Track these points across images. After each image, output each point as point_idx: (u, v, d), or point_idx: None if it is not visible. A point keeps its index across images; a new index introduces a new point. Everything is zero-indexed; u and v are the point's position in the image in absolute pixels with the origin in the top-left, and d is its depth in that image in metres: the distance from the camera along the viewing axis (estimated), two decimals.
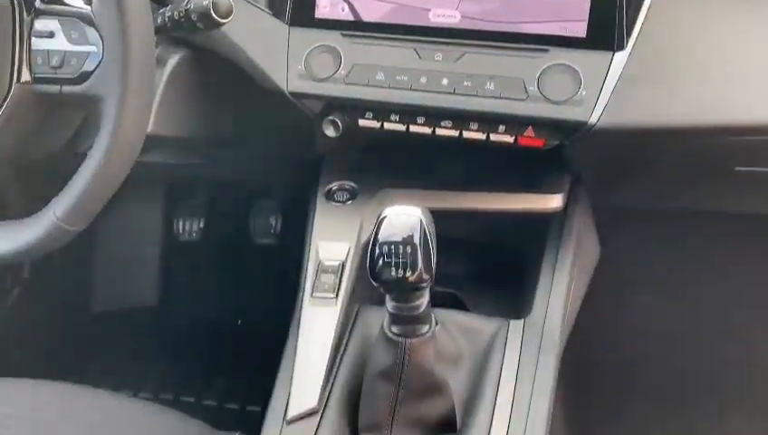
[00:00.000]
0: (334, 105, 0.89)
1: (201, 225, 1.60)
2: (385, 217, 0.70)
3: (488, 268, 1.08)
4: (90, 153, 0.70)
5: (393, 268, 0.68)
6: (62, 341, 1.46)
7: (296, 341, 0.84)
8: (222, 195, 1.62)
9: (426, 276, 0.68)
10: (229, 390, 1.46)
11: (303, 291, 0.89)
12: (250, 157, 1.18)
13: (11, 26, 0.75)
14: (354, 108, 0.88)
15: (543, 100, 0.80)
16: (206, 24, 0.75)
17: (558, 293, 0.89)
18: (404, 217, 0.69)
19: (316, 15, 0.88)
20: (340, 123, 0.89)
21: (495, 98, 0.81)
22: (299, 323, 0.86)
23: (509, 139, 0.85)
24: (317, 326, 0.85)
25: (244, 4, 0.89)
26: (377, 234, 0.69)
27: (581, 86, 0.79)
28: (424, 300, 0.72)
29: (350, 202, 0.96)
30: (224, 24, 0.75)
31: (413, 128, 0.88)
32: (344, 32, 0.86)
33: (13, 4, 0.75)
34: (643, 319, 1.39)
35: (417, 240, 0.68)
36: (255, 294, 1.45)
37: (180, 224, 1.60)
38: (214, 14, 0.73)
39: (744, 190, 1.01)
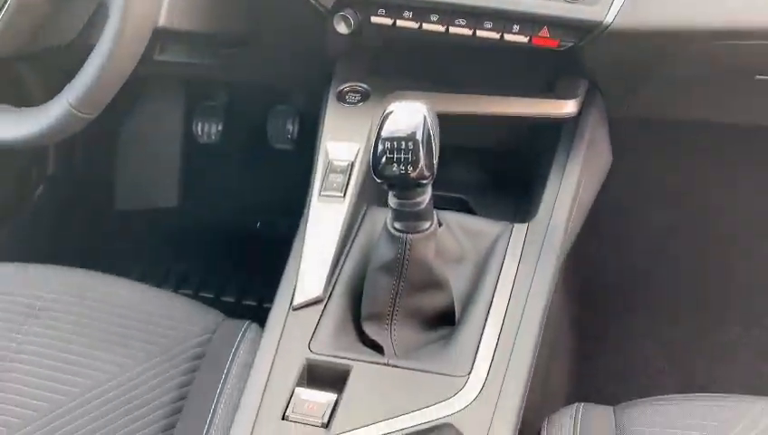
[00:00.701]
0: (346, 1, 0.87)
1: (219, 127, 1.61)
2: (390, 112, 0.70)
3: (499, 175, 1.09)
4: (99, 40, 0.70)
5: (395, 164, 0.69)
6: (85, 237, 1.52)
7: (304, 235, 0.87)
8: (240, 98, 1.63)
9: (427, 173, 0.69)
10: (246, 287, 1.52)
11: (313, 189, 0.91)
12: (265, 59, 1.18)
13: None
14: (366, 3, 0.87)
15: None
16: None
17: (564, 198, 0.89)
18: (408, 114, 0.69)
19: None
20: (351, 20, 0.87)
21: None
22: (307, 220, 0.88)
23: (523, 38, 0.83)
24: (325, 222, 0.87)
25: None
26: (380, 130, 0.70)
27: None
28: (425, 197, 0.73)
29: (361, 104, 0.96)
30: None
31: (426, 26, 0.86)
32: None
33: None
34: (655, 234, 1.39)
35: (419, 136, 0.68)
36: (272, 198, 1.48)
37: (199, 126, 1.61)
38: None
39: (764, 101, 0.98)
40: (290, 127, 1.58)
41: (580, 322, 1.29)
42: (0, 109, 0.82)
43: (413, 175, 0.69)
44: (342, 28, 0.88)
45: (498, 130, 1.03)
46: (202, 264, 1.57)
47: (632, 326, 1.38)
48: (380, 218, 0.86)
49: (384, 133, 0.69)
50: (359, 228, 0.89)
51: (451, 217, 0.86)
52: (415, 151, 0.68)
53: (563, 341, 1.21)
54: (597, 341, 1.36)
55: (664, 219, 1.38)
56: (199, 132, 1.61)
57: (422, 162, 0.68)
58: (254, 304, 1.49)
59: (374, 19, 0.88)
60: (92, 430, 0.80)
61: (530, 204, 0.96)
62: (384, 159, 0.69)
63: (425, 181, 0.70)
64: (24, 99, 0.87)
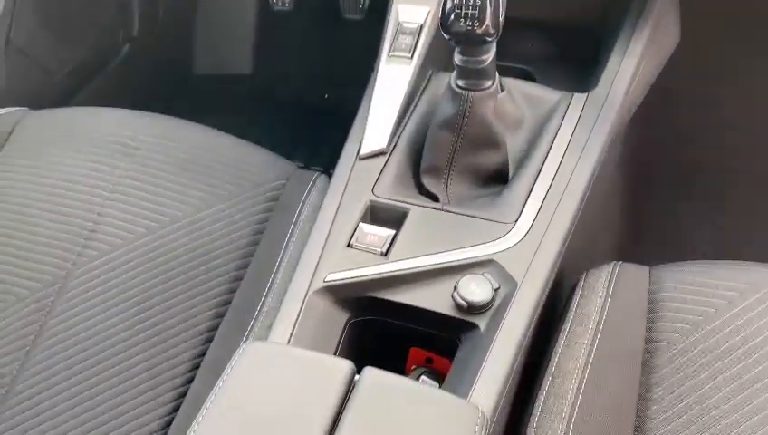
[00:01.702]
0: None
1: None
2: None
3: (564, 50, 1.10)
4: None
5: (463, 20, 0.73)
6: (166, 97, 1.62)
7: (372, 93, 0.93)
8: None
9: (492, 30, 0.73)
10: (314, 153, 1.61)
11: (382, 50, 0.96)
12: None
13: None
14: None
15: None
16: None
17: (625, 70, 0.91)
18: None
19: None
20: None
21: None
22: (376, 78, 0.94)
23: None
24: (392, 81, 0.92)
25: None
26: None
27: None
28: (489, 55, 0.77)
29: None
30: None
31: None
32: None
33: None
34: (725, 122, 1.38)
35: None
36: (342, 69, 1.53)
37: None
38: None
39: None
40: None
41: (636, 199, 1.32)
42: None
43: (479, 31, 0.73)
44: None
45: (568, 2, 1.03)
46: (275, 130, 1.66)
47: (688, 211, 1.40)
48: (444, 82, 0.91)
49: None
50: (423, 90, 0.94)
51: (514, 84, 0.90)
52: (482, 8, 0.72)
53: (615, 213, 1.25)
54: (649, 220, 1.39)
55: (735, 109, 1.36)
56: None
57: (488, 19, 0.72)
58: (321, 169, 1.58)
59: None
60: (183, 253, 0.92)
61: (592, 76, 0.98)
62: (453, 15, 0.73)
63: (490, 39, 0.74)
64: None
